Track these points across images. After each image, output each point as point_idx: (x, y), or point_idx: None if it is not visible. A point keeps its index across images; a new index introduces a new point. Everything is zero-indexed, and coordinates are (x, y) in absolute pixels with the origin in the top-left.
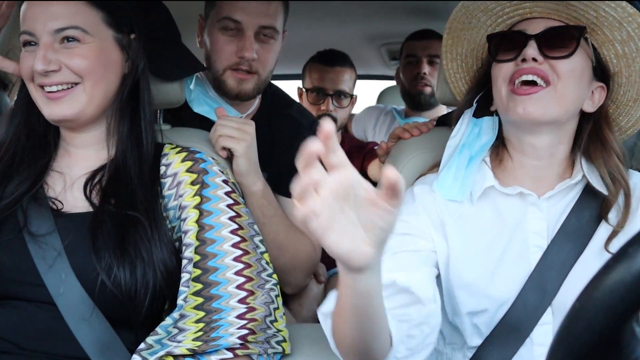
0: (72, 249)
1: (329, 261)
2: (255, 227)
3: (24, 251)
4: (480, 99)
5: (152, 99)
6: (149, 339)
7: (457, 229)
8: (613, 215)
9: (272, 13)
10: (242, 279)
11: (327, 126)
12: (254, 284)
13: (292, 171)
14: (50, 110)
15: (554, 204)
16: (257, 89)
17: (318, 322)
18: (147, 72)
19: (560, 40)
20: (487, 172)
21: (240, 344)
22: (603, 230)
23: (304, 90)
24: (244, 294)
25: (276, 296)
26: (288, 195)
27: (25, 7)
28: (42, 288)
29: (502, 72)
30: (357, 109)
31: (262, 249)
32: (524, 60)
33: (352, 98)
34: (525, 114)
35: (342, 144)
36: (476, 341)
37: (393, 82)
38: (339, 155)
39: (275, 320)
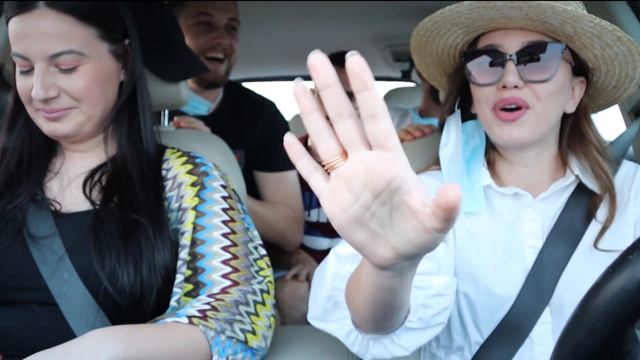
0: (75, 250)
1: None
2: (250, 233)
3: (26, 255)
4: (460, 102)
5: (150, 101)
6: None
7: (463, 226)
8: (602, 212)
9: (235, 8)
10: (228, 282)
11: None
12: (239, 287)
13: (263, 147)
14: (50, 128)
15: (549, 204)
16: (227, 73)
17: (306, 323)
18: (144, 75)
19: (539, 59)
20: (484, 172)
21: (200, 316)
22: (594, 228)
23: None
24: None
25: (262, 291)
26: (263, 169)
27: (13, 24)
28: (46, 292)
29: (484, 96)
30: None
31: (256, 255)
32: (504, 86)
33: None
34: (511, 139)
35: None
36: (476, 341)
37: (398, 84)
38: (384, 129)
39: (254, 314)
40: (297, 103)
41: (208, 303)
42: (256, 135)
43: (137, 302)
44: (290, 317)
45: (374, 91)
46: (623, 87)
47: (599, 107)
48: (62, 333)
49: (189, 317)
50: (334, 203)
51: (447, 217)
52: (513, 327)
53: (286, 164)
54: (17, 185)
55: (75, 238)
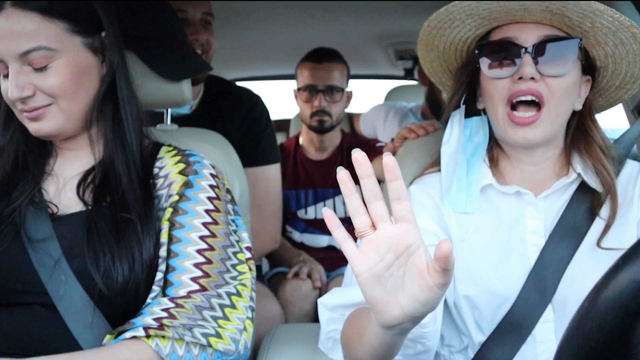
0: (70, 252)
1: (328, 263)
2: (235, 236)
3: (24, 258)
4: (466, 98)
5: (133, 94)
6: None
7: (458, 224)
8: (606, 210)
9: (208, 2)
10: (196, 286)
11: (387, 159)
12: (205, 293)
13: (243, 140)
14: (33, 128)
15: (551, 202)
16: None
17: (310, 321)
18: (124, 67)
19: (555, 54)
20: (486, 171)
21: (157, 326)
22: (597, 226)
23: (297, 90)
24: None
25: (230, 294)
26: (247, 165)
27: None
28: (45, 294)
29: (498, 90)
30: (364, 108)
31: (234, 261)
32: (520, 77)
33: (346, 93)
34: (525, 142)
35: (342, 141)
36: (478, 340)
37: (400, 82)
38: (406, 208)
39: (223, 318)
40: (341, 186)
41: (166, 309)
42: (235, 129)
43: (132, 301)
44: (293, 315)
45: (401, 181)
46: (626, 88)
47: (598, 108)
48: (61, 334)
49: (146, 328)
50: (363, 262)
51: (444, 268)
52: (515, 326)
53: (266, 158)
54: (13, 187)
55: (71, 240)
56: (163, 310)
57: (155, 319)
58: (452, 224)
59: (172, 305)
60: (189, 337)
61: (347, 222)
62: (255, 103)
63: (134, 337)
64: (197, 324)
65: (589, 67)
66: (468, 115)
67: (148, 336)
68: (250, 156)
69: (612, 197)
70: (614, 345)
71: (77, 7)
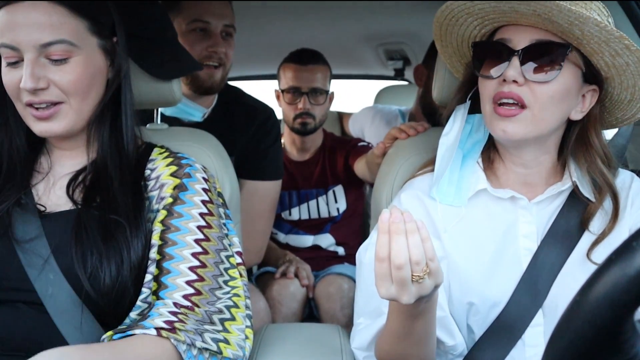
0: (59, 251)
1: (315, 262)
2: (228, 240)
3: (12, 258)
4: (474, 95)
5: (133, 100)
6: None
7: (443, 216)
8: (597, 222)
9: (231, 14)
10: (191, 290)
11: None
12: (201, 298)
13: (252, 154)
14: (40, 128)
15: (543, 207)
16: (223, 80)
17: (297, 320)
18: (129, 74)
19: (543, 59)
20: (480, 174)
21: (169, 329)
22: (588, 237)
23: (280, 92)
24: (189, 303)
25: (229, 307)
26: (246, 177)
27: (2, 15)
28: (32, 292)
29: (487, 89)
30: (354, 108)
31: (227, 265)
32: (505, 80)
33: (328, 95)
34: (505, 135)
35: (324, 141)
36: (468, 342)
37: (390, 82)
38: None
39: (224, 331)
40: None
41: (175, 313)
42: (246, 142)
43: (119, 302)
44: (280, 314)
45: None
46: None
47: (617, 120)
48: (49, 332)
49: (157, 328)
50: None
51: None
52: (506, 328)
53: (270, 174)
54: (0, 188)
55: (60, 238)
56: (171, 313)
57: (166, 322)
58: (437, 217)
59: (179, 310)
60: (200, 342)
61: (330, 222)
62: (268, 117)
63: (145, 335)
64: (206, 329)
65: (592, 76)
66: (474, 113)
67: (160, 337)
68: (254, 169)
69: (615, 209)
70: (604, 339)
71: (99, 7)
